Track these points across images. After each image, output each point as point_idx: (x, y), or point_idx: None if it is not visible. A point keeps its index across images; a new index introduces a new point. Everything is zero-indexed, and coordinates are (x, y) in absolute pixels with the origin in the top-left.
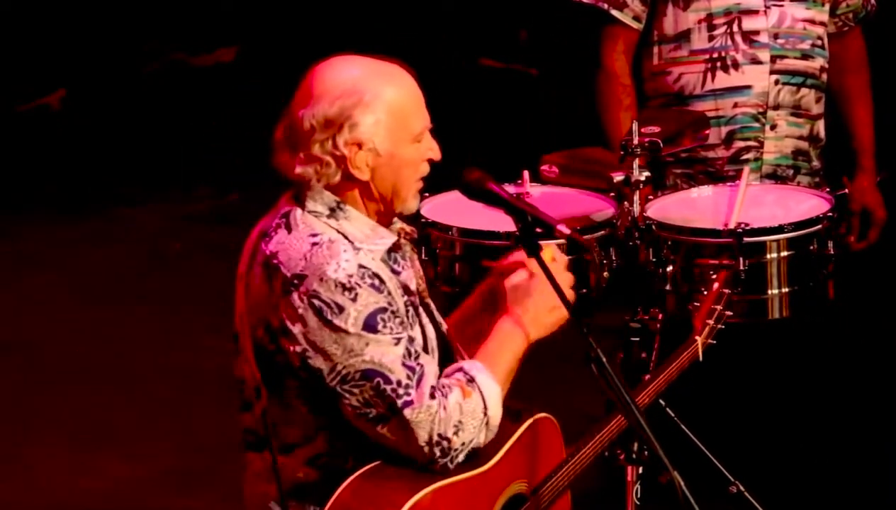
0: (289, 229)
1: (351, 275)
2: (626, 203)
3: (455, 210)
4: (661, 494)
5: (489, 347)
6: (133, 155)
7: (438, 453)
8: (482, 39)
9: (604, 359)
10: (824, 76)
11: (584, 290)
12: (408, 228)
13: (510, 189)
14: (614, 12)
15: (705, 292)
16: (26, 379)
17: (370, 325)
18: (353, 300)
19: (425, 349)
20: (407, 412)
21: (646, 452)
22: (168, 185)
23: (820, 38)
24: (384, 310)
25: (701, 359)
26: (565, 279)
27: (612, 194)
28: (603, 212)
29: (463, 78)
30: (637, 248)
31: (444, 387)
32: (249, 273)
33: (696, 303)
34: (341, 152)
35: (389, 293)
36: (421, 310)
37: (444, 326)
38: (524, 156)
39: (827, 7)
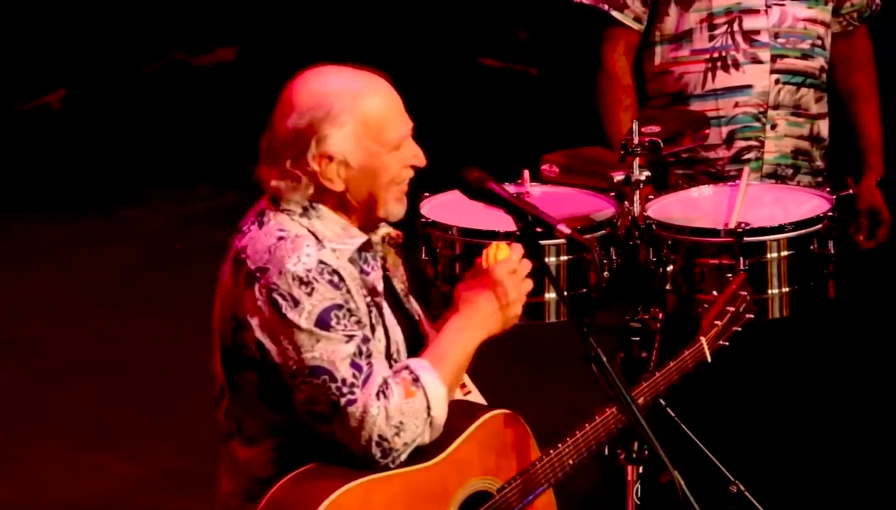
0: (260, 226)
1: (309, 270)
2: (626, 203)
3: (455, 209)
4: (661, 494)
5: (437, 346)
6: (133, 155)
7: (379, 453)
8: (482, 39)
9: (604, 359)
10: (824, 76)
11: (585, 290)
12: (394, 233)
13: (510, 188)
14: (615, 13)
15: (716, 294)
16: (26, 379)
17: (323, 321)
18: (309, 294)
19: (388, 351)
20: (349, 411)
21: (646, 452)
22: (168, 185)
23: (820, 37)
24: (339, 307)
25: (709, 360)
26: (517, 281)
27: (613, 194)
28: (603, 211)
29: (463, 78)
30: (637, 248)
31: (387, 387)
32: (222, 269)
33: (706, 305)
34: (311, 168)
35: (349, 291)
36: (386, 311)
37: (426, 328)
38: (524, 155)
39: (830, 6)
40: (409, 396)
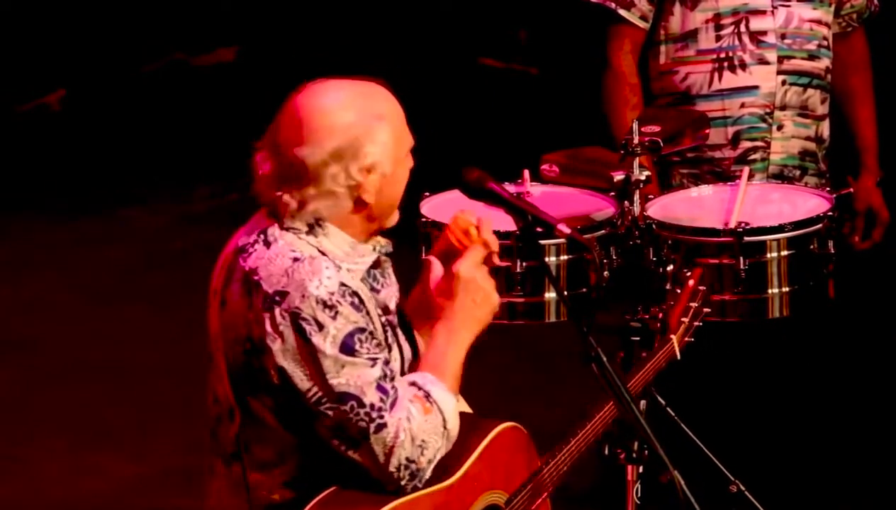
0: (267, 245)
1: (332, 293)
2: (626, 202)
3: (455, 209)
4: (661, 494)
5: (434, 358)
6: (133, 155)
7: (408, 476)
8: (482, 39)
9: (604, 359)
10: (829, 77)
11: (585, 290)
12: (382, 241)
13: (510, 188)
14: (622, 11)
15: (678, 290)
16: (26, 378)
17: (347, 346)
18: (334, 318)
19: (402, 370)
20: (379, 436)
21: (646, 452)
22: (168, 185)
23: (825, 38)
24: (362, 330)
25: (679, 357)
26: (484, 273)
27: (613, 194)
28: (603, 211)
29: (463, 78)
30: (637, 248)
31: (408, 408)
32: (226, 289)
33: (670, 303)
34: (356, 180)
35: (368, 313)
36: (399, 329)
37: (420, 343)
38: (524, 155)
39: (833, 7)
40: (427, 413)
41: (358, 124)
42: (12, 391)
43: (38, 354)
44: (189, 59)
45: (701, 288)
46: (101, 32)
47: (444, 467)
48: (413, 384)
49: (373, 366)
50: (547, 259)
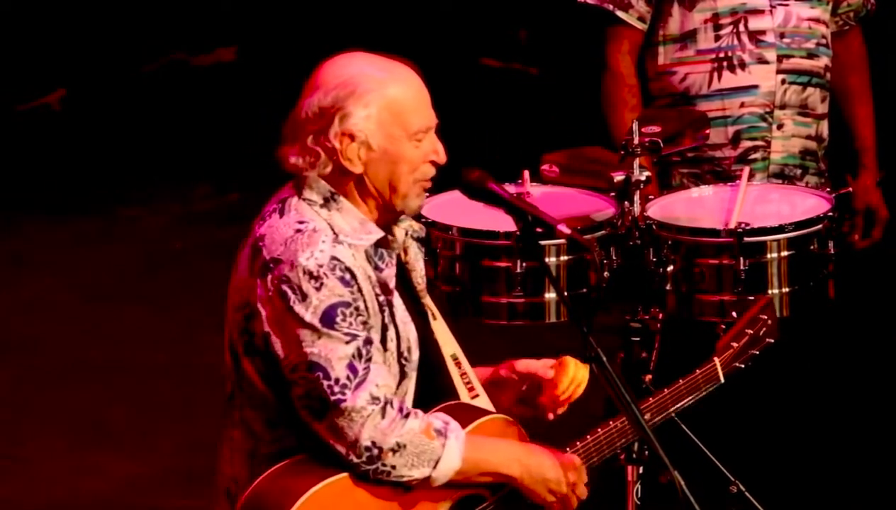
0: (281, 214)
1: (321, 265)
2: (626, 203)
3: (455, 209)
4: (661, 494)
5: (485, 441)
6: (133, 155)
7: (365, 458)
8: (482, 39)
9: (604, 359)
10: (828, 75)
11: (585, 290)
12: (416, 226)
13: (510, 188)
14: (619, 13)
15: (735, 315)
16: (26, 378)
17: (328, 317)
18: (318, 289)
19: (399, 349)
20: (338, 411)
21: (646, 452)
22: (168, 185)
23: (824, 36)
24: (347, 304)
25: (722, 381)
26: (568, 493)
27: (613, 194)
28: (603, 211)
29: (463, 78)
30: (637, 248)
31: (411, 411)
32: (240, 253)
33: (724, 326)
34: (332, 144)
35: (360, 290)
36: (398, 308)
37: (444, 328)
38: (524, 155)
39: (829, 6)
40: (427, 436)
41: (348, 88)
42: (12, 391)
43: (38, 354)
44: (189, 58)
45: (763, 317)
46: (101, 32)
47: None
48: (446, 422)
49: (348, 342)
50: (547, 259)
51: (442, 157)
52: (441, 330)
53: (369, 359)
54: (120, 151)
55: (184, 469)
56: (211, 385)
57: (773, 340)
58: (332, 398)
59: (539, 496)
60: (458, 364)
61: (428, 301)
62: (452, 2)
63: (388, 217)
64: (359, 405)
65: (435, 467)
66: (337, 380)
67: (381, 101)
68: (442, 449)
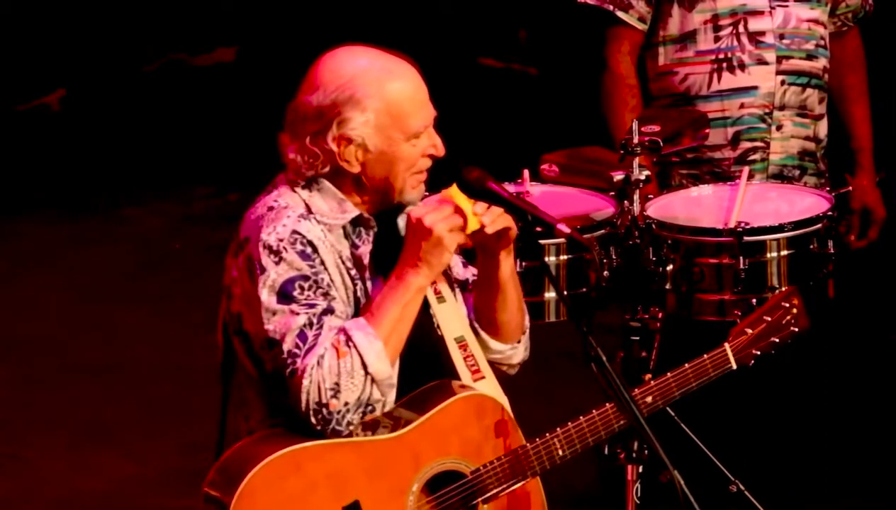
0: (267, 195)
1: (281, 240)
2: (626, 202)
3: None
4: (661, 494)
5: (374, 303)
6: (133, 155)
7: (321, 421)
8: (482, 39)
9: (604, 359)
10: (826, 76)
11: (584, 290)
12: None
13: (510, 188)
14: (619, 14)
15: (755, 303)
16: (26, 378)
17: (285, 291)
18: (277, 263)
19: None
20: (293, 382)
21: (646, 452)
22: (168, 185)
23: (822, 38)
24: (305, 278)
25: (734, 368)
26: (432, 208)
27: (613, 193)
28: (603, 211)
29: (463, 78)
30: (637, 248)
31: (321, 354)
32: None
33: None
34: (329, 147)
35: (322, 262)
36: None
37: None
38: (524, 155)
39: (828, 7)
40: (342, 356)
41: (348, 92)
42: (12, 391)
43: (38, 354)
44: (189, 58)
45: (785, 304)
46: (101, 32)
47: (398, 419)
48: (341, 329)
49: (300, 314)
50: (547, 258)
51: (440, 150)
52: (448, 312)
53: (321, 326)
54: (119, 151)
55: (184, 469)
56: (210, 385)
57: (798, 329)
58: (286, 370)
59: (437, 246)
60: (463, 346)
61: (437, 283)
62: (452, 2)
63: (384, 207)
64: (305, 373)
65: (366, 369)
66: (289, 352)
67: (378, 105)
68: (357, 353)
